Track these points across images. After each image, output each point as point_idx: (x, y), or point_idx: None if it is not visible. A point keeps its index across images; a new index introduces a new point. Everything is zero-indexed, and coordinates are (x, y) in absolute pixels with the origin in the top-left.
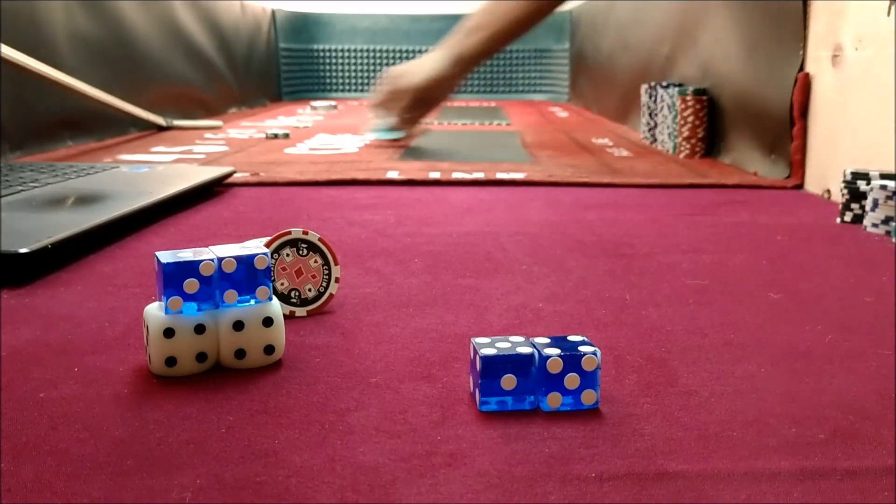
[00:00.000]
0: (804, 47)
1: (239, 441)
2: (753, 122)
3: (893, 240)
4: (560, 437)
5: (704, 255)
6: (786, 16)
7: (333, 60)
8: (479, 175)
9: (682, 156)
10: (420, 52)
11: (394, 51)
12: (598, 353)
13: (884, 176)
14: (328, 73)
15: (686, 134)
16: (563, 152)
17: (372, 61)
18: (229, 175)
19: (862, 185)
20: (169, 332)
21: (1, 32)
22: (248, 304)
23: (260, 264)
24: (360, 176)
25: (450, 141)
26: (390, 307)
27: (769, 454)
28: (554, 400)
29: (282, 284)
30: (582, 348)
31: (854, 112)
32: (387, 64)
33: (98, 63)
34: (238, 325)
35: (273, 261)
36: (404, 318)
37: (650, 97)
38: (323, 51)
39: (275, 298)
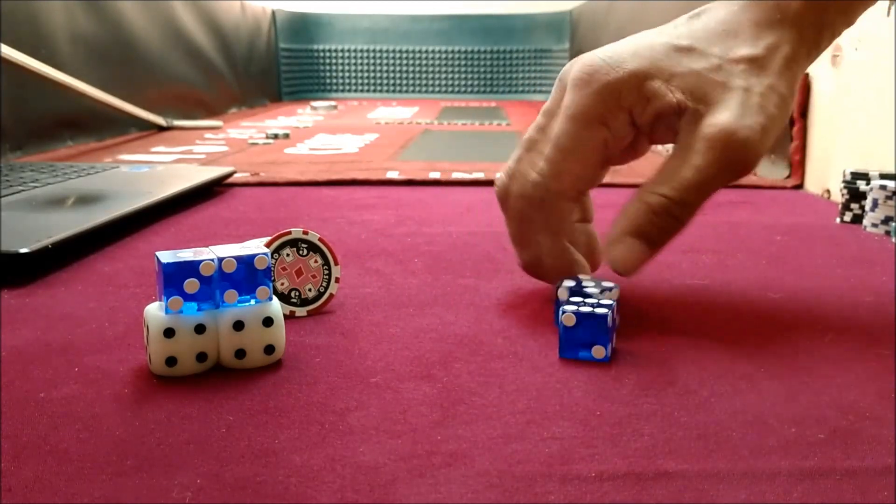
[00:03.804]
0: None
1: (239, 441)
2: None
3: (893, 240)
4: (560, 437)
5: (704, 255)
6: None
7: (333, 60)
8: (479, 175)
9: None
10: (419, 52)
11: (394, 51)
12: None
13: (884, 176)
14: (328, 73)
15: None
16: None
17: (372, 61)
18: (229, 175)
19: (862, 185)
20: (169, 332)
21: (1, 32)
22: (248, 304)
23: (260, 264)
24: (360, 176)
25: (450, 141)
26: (390, 307)
27: (769, 454)
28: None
29: (282, 284)
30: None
31: (854, 112)
32: (387, 64)
33: (98, 63)
34: (238, 325)
35: (273, 261)
36: (404, 318)
37: None
38: (323, 51)
39: (275, 298)
